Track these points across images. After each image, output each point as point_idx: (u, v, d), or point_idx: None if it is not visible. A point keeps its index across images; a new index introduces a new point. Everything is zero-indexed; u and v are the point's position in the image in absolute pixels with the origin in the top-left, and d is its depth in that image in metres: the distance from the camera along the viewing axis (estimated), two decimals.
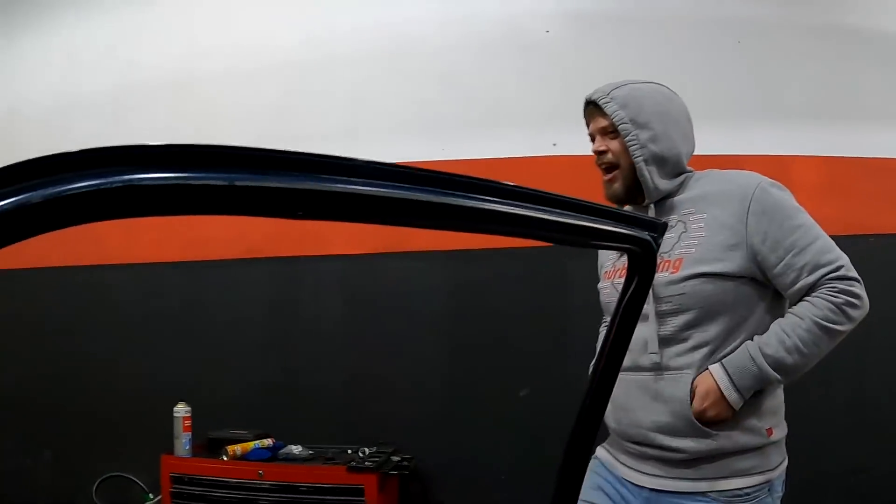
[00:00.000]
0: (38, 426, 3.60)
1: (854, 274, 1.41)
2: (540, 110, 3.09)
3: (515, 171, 2.92)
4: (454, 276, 3.13)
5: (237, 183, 0.38)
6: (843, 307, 1.37)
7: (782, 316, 1.44)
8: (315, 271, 3.26)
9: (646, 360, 1.48)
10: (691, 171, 1.59)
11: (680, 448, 1.43)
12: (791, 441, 1.52)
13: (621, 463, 1.56)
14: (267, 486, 2.83)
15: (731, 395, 1.38)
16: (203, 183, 0.37)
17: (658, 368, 1.47)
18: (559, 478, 0.84)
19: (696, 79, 2.84)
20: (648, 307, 1.45)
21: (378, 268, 3.18)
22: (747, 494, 1.41)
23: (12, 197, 0.32)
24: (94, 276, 3.48)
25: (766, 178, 1.49)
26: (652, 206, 1.56)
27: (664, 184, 1.53)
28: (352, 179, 0.42)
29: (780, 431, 1.49)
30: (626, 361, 0.84)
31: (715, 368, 1.41)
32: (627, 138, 1.49)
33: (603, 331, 1.78)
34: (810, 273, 1.39)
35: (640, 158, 1.49)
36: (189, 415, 2.95)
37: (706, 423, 1.40)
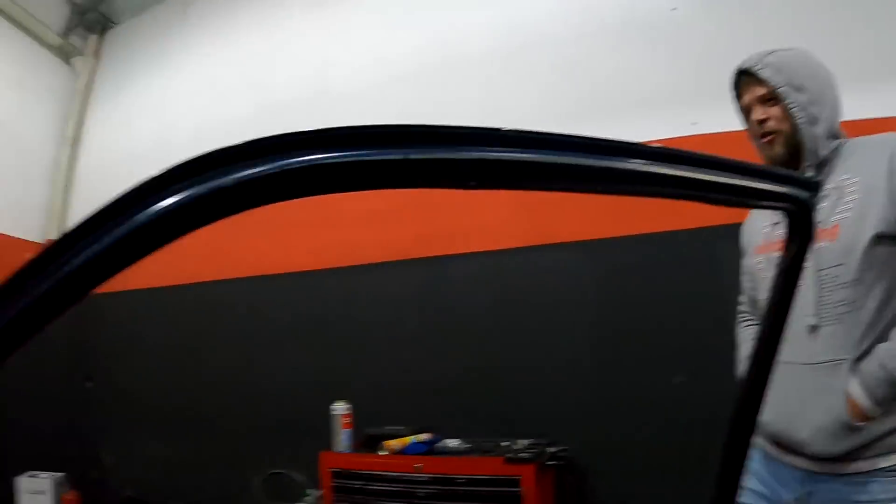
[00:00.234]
0: (209, 429, 3.91)
1: None
2: (674, 90, 3.00)
3: None
4: (601, 265, 3.09)
5: (411, 156, 0.41)
6: None
7: None
8: (463, 268, 3.33)
9: (802, 345, 1.43)
10: (844, 137, 1.54)
11: (832, 451, 1.40)
12: None
13: (774, 444, 1.54)
14: (424, 479, 2.90)
15: (876, 410, 1.35)
16: (380, 158, 0.40)
17: (815, 354, 1.43)
18: (720, 471, 0.81)
19: (830, 43, 2.67)
20: (807, 279, 1.41)
21: (524, 261, 3.20)
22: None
23: (223, 176, 0.39)
24: (255, 286, 3.74)
25: None
26: (811, 171, 1.52)
27: (824, 147, 1.49)
28: (512, 149, 0.45)
29: None
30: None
31: (854, 390, 1.36)
32: (788, 102, 1.47)
33: (746, 311, 1.78)
34: None
35: (803, 121, 1.47)
36: (348, 412, 3.08)
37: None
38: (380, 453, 3.00)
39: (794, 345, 1.36)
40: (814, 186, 0.68)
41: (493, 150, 0.44)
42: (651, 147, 0.52)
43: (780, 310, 0.76)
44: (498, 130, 0.44)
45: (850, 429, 1.37)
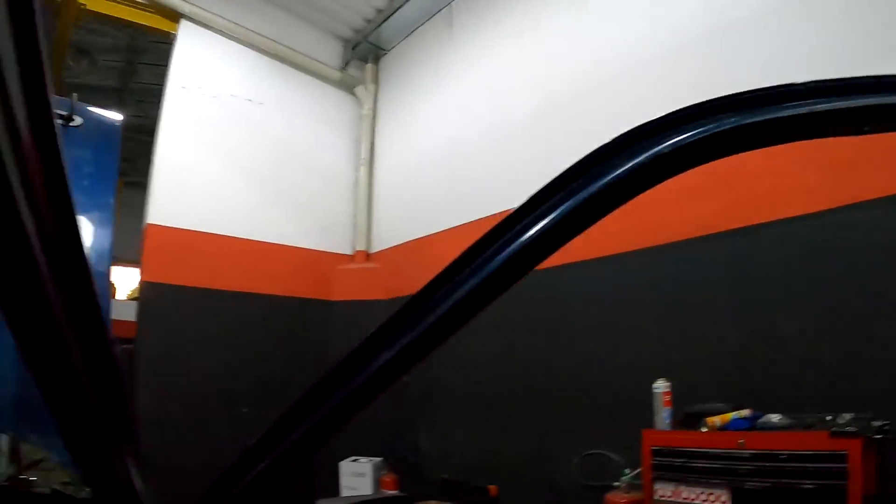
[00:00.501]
0: (519, 413, 4.17)
1: None
2: None
3: None
4: None
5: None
6: None
7: None
8: (774, 237, 3.17)
9: None
10: None
11: None
12: None
13: None
14: (747, 455, 2.80)
15: None
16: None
17: None
18: None
19: None
20: None
21: (835, 223, 2.94)
22: None
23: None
24: (563, 274, 3.85)
25: None
26: None
27: None
28: None
29: None
30: None
31: None
32: None
33: None
34: None
35: None
36: (668, 390, 3.10)
37: None
38: (701, 430, 2.98)
39: None
40: None
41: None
42: None
43: None
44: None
45: None
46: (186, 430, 4.47)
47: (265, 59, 5.76)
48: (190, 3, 5.26)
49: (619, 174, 0.65)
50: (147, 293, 4.79)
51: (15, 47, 0.41)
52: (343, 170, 6.20)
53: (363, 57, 6.40)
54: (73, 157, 2.24)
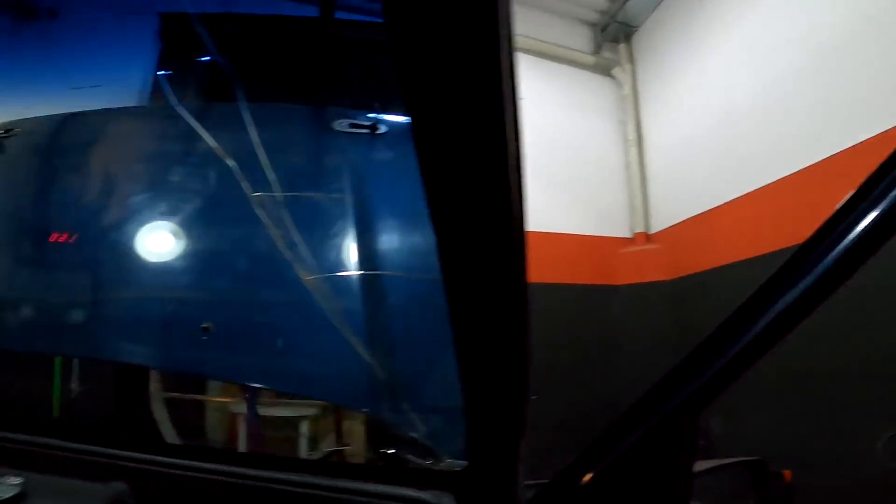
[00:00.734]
0: (820, 391, 3.88)
1: None
2: None
3: None
4: None
5: None
6: None
7: None
8: None
9: None
10: None
11: None
12: None
13: None
14: None
15: None
16: None
17: None
18: None
19: None
20: None
21: None
22: None
23: None
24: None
25: None
26: None
27: None
28: None
29: None
30: None
31: None
32: None
33: None
34: None
35: None
36: None
37: None
38: None
39: None
40: None
41: None
42: None
43: None
44: None
45: None
46: None
47: (521, 56, 5.99)
48: None
49: None
50: None
51: None
52: (611, 153, 6.21)
53: (614, 38, 6.31)
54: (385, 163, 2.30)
